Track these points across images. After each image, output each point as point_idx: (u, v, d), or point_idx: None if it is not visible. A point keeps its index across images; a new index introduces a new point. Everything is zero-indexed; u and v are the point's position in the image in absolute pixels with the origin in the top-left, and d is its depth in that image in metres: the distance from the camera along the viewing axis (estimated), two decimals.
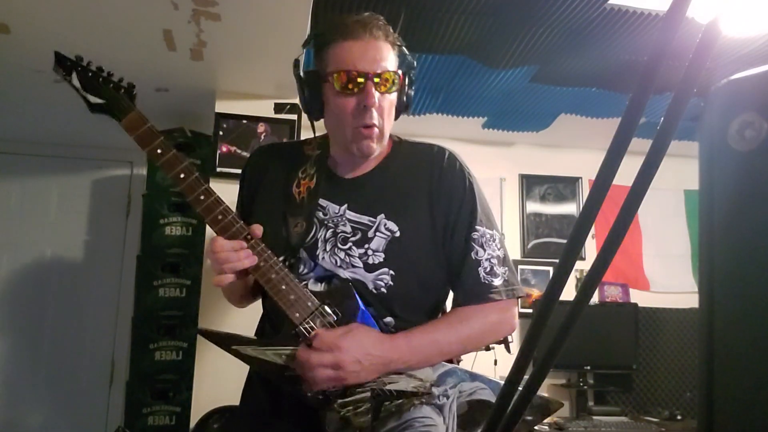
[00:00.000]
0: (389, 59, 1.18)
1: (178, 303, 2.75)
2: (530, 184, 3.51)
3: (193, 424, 2.45)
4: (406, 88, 1.24)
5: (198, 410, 2.46)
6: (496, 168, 3.44)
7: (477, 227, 1.21)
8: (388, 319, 1.18)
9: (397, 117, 1.25)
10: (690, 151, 2.77)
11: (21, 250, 3.40)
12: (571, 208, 3.53)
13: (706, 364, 0.42)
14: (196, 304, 2.54)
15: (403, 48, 1.23)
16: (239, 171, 2.53)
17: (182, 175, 1.18)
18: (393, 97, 1.21)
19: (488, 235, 1.22)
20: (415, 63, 1.26)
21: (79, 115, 2.96)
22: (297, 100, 2.65)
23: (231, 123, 2.62)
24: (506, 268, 1.22)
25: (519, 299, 1.25)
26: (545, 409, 1.20)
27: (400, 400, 1.13)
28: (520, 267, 3.38)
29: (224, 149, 2.60)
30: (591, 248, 3.21)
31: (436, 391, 1.15)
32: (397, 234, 1.19)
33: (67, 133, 3.30)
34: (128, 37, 2.13)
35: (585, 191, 3.55)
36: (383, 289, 1.17)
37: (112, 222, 3.48)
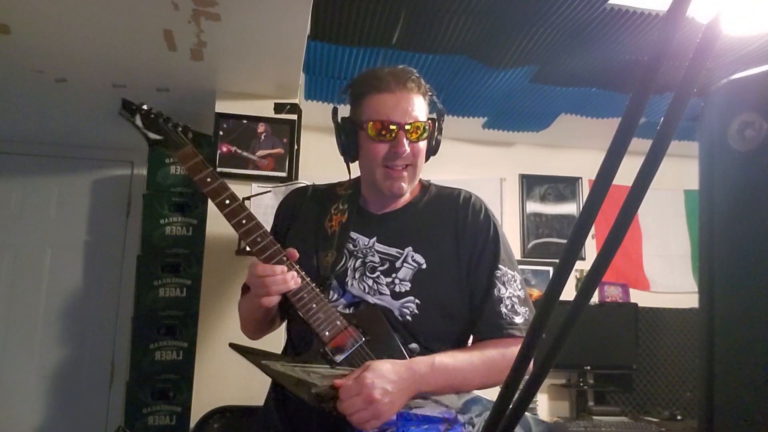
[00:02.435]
0: (420, 110, 1.28)
1: (179, 303, 2.75)
2: (530, 184, 3.51)
3: (193, 424, 2.44)
4: (436, 133, 1.35)
5: (198, 410, 2.46)
6: (496, 168, 3.44)
7: (500, 266, 1.28)
8: (414, 345, 1.20)
9: (426, 160, 1.35)
10: (690, 151, 2.78)
11: (21, 250, 3.40)
12: (571, 208, 3.53)
13: (706, 364, 0.42)
14: (197, 304, 2.54)
15: (434, 97, 1.34)
16: (239, 171, 2.57)
17: (227, 201, 1.29)
18: (423, 144, 1.31)
19: (510, 275, 1.29)
20: (444, 111, 1.37)
21: (79, 115, 2.98)
22: (297, 100, 2.65)
23: (231, 123, 2.62)
24: (527, 309, 1.27)
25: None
26: None
27: (426, 426, 1.12)
28: (520, 267, 3.37)
29: (224, 149, 2.60)
30: (591, 248, 3.21)
31: (461, 418, 1.14)
32: (424, 266, 1.25)
33: (67, 133, 3.30)
34: (128, 38, 2.13)
35: (585, 191, 3.55)
36: (408, 317, 1.21)
37: (112, 222, 3.47)
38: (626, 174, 0.46)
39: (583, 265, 3.13)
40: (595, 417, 2.98)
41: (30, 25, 2.06)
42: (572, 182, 3.55)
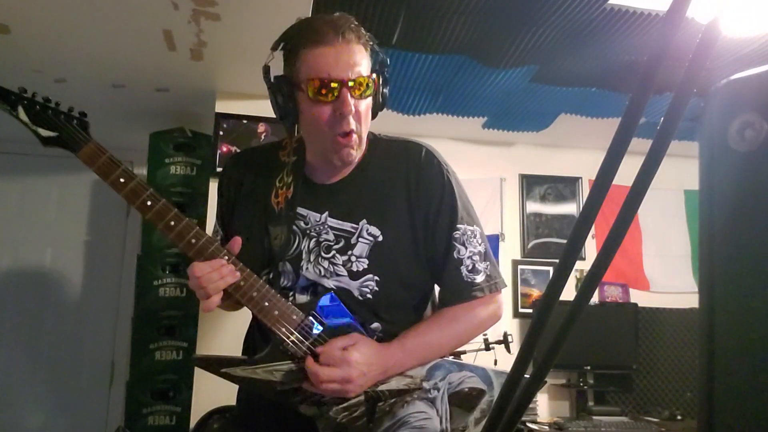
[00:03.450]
0: (363, 63, 1.15)
1: (178, 303, 2.75)
2: (530, 184, 3.51)
3: (193, 424, 2.45)
4: (381, 88, 1.21)
5: (198, 410, 2.46)
6: (496, 168, 3.44)
7: (458, 225, 1.21)
8: (375, 324, 1.18)
9: (373, 117, 1.23)
10: (690, 151, 2.78)
11: (21, 250, 3.40)
12: (571, 208, 3.53)
13: (706, 364, 0.42)
14: (196, 303, 2.54)
15: (375, 47, 1.19)
16: None
17: (149, 203, 1.12)
18: (368, 101, 1.18)
19: (469, 232, 1.22)
20: (388, 60, 1.22)
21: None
22: None
23: (231, 123, 2.62)
24: (487, 263, 1.23)
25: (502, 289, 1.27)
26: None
27: (393, 399, 1.15)
28: (520, 267, 3.38)
29: (224, 149, 2.60)
30: (591, 248, 3.21)
31: (426, 385, 1.17)
32: (380, 239, 1.18)
33: None
34: (128, 37, 2.13)
35: (585, 191, 3.55)
36: (369, 295, 1.17)
37: (112, 222, 3.48)
38: (626, 174, 0.46)
39: (583, 265, 3.12)
40: (595, 417, 2.98)
41: (30, 26, 2.06)
42: (572, 182, 3.55)
